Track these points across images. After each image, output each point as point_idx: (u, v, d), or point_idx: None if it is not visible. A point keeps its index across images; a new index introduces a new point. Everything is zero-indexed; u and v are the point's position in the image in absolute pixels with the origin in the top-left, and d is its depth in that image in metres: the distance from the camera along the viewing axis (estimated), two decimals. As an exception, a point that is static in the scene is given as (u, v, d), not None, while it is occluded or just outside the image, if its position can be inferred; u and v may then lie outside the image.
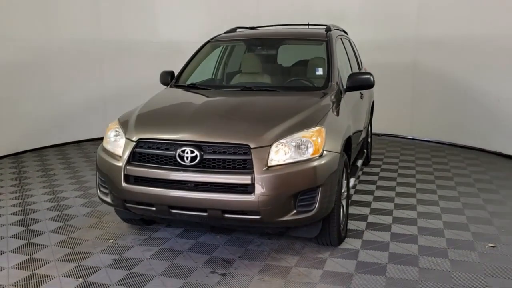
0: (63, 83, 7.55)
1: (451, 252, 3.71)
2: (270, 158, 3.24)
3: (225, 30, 5.39)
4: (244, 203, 3.22)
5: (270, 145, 3.27)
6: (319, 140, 3.36)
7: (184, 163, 3.35)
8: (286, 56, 5.18)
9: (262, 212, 3.23)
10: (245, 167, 3.26)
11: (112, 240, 4.01)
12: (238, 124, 3.58)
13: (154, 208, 3.46)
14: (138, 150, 3.51)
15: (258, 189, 3.17)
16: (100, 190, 3.81)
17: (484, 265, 3.48)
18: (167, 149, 3.43)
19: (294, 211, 3.28)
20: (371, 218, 4.44)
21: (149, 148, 3.49)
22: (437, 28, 7.25)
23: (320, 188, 3.29)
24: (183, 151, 3.35)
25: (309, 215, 3.30)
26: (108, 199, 3.69)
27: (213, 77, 5.28)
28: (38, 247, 3.90)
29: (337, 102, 4.01)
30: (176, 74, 4.90)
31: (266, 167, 3.21)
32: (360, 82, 4.28)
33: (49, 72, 7.36)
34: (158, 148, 3.47)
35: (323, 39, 4.72)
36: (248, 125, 3.52)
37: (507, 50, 6.40)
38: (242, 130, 3.44)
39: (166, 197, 3.37)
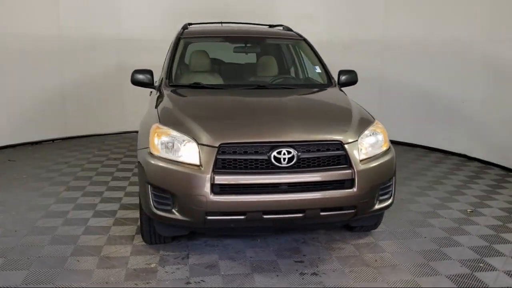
0: (18, 80, 7.12)
1: None
2: (361, 152, 3.38)
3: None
4: (344, 199, 3.29)
5: (357, 140, 3.41)
6: (385, 132, 3.65)
7: (280, 165, 3.22)
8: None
9: (359, 206, 3.36)
10: (339, 163, 3.33)
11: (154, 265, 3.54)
12: (316, 121, 3.58)
13: (244, 217, 3.23)
14: (220, 156, 3.21)
15: (358, 183, 3.29)
16: (156, 207, 3.32)
17: None
18: (256, 152, 3.24)
19: (377, 202, 3.49)
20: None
21: (234, 153, 3.23)
22: (401, 31, 7.35)
23: (393, 178, 3.58)
24: (279, 153, 3.21)
25: (388, 203, 3.57)
26: (176, 215, 3.26)
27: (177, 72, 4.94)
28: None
29: None
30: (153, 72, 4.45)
31: (360, 161, 3.35)
32: (351, 79, 4.65)
33: (4, 68, 6.93)
34: (245, 152, 3.24)
35: (301, 37, 4.94)
36: (327, 122, 3.56)
37: (471, 53, 6.48)
38: (330, 127, 3.47)
39: (260, 203, 3.19)
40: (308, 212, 3.26)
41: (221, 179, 3.12)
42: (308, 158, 3.27)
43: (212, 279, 3.30)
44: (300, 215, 3.27)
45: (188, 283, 3.25)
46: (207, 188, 3.11)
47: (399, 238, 4.05)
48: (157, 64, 5.21)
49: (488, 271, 3.48)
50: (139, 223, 4.00)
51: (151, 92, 5.18)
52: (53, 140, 7.79)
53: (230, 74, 4.79)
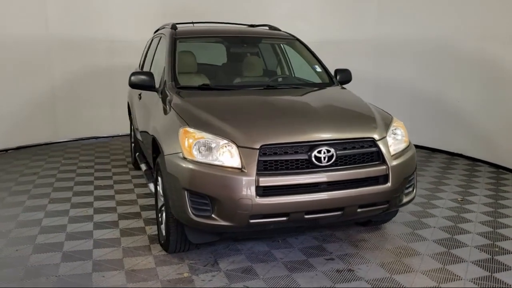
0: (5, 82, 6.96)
1: None
2: (390, 148, 3.48)
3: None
4: (380, 194, 3.37)
5: (385, 136, 3.51)
6: (404, 128, 3.78)
7: (320, 164, 3.23)
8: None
9: (392, 200, 3.46)
10: (373, 159, 3.41)
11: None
12: (347, 119, 3.62)
13: (287, 218, 3.21)
14: (261, 158, 3.16)
15: (392, 178, 3.39)
16: (195, 213, 3.20)
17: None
18: (297, 152, 3.23)
19: (404, 196, 3.61)
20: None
21: (275, 154, 3.20)
22: (396, 30, 7.32)
23: (415, 172, 3.72)
24: (319, 152, 3.23)
25: (412, 196, 3.70)
26: (217, 220, 3.16)
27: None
28: None
29: None
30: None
31: (391, 157, 3.45)
32: (346, 77, 4.76)
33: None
34: (286, 153, 3.21)
35: (294, 37, 4.98)
36: (356, 120, 3.61)
37: (466, 52, 6.46)
38: (361, 125, 3.53)
39: (303, 203, 3.18)
40: (347, 209, 3.29)
41: (265, 181, 3.07)
42: (345, 156, 3.30)
43: (254, 284, 3.24)
44: (339, 212, 3.30)
45: (232, 290, 3.16)
46: (252, 191, 3.04)
47: (410, 229, 4.20)
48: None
49: (505, 254, 3.70)
50: (150, 232, 3.94)
51: (140, 94, 4.97)
52: (6, 150, 7.23)
53: (232, 74, 4.70)
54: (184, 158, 3.19)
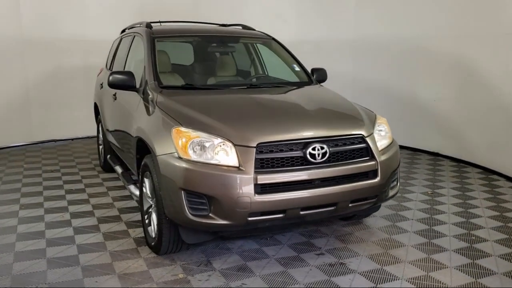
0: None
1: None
2: (378, 144, 3.61)
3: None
4: (370, 189, 3.48)
5: (373, 133, 3.63)
6: (387, 124, 3.93)
7: (314, 161, 3.31)
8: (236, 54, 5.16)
9: (380, 194, 3.58)
10: (362, 155, 3.52)
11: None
12: (336, 117, 3.70)
13: (283, 215, 3.26)
14: (258, 156, 3.20)
15: (381, 173, 3.51)
16: (192, 213, 3.18)
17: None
18: (291, 150, 3.28)
19: (390, 190, 3.75)
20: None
21: (271, 151, 3.24)
22: (374, 30, 7.35)
23: (398, 168, 3.87)
24: (313, 149, 3.30)
25: (396, 190, 3.84)
26: (215, 219, 3.15)
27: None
28: None
29: None
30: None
31: (379, 152, 3.57)
32: (322, 76, 4.87)
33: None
34: (281, 150, 3.26)
35: (270, 37, 5.05)
36: (344, 117, 3.70)
37: (440, 51, 6.51)
38: (349, 122, 3.62)
39: (299, 199, 3.23)
40: (339, 204, 3.38)
41: (263, 178, 3.10)
42: (337, 153, 3.38)
43: (252, 281, 3.26)
44: (332, 208, 3.38)
45: (231, 288, 3.17)
46: (251, 189, 3.07)
47: (390, 222, 4.35)
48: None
49: (481, 242, 3.92)
50: (135, 235, 3.91)
51: (115, 94, 4.87)
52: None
53: (211, 73, 4.68)
54: (180, 158, 3.17)
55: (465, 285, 3.21)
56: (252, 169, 3.08)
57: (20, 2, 7.20)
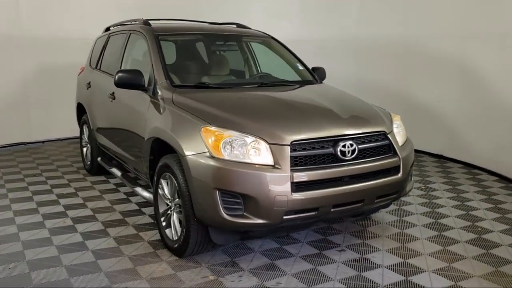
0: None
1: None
2: (398, 141, 3.71)
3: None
4: (394, 185, 3.56)
5: (392, 130, 3.73)
6: (401, 121, 4.04)
7: (345, 158, 3.35)
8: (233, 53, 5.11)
9: (401, 189, 3.68)
10: (385, 151, 3.61)
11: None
12: (359, 114, 3.73)
13: (316, 212, 3.28)
14: (292, 154, 3.20)
15: (402, 168, 3.61)
16: (227, 213, 3.14)
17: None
18: (323, 147, 3.31)
19: (407, 186, 3.86)
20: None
21: (303, 149, 3.25)
22: (376, 30, 7.21)
23: (413, 164, 3.98)
24: (343, 146, 3.34)
25: (412, 186, 3.95)
26: (250, 219, 3.12)
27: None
28: None
29: None
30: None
31: (400, 149, 3.67)
32: (321, 75, 4.94)
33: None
34: (313, 148, 3.28)
35: (268, 36, 5.07)
36: (366, 115, 3.75)
37: (445, 51, 6.39)
38: (371, 119, 3.68)
39: (332, 196, 3.25)
40: (366, 200, 3.43)
41: (299, 176, 3.10)
42: (364, 150, 3.44)
43: (286, 280, 3.25)
44: (360, 204, 3.43)
45: (267, 288, 3.15)
46: (288, 187, 3.06)
47: (397, 217, 4.47)
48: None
49: (489, 232, 4.10)
50: (148, 238, 3.84)
51: (112, 93, 4.72)
52: None
53: (215, 72, 4.62)
54: (212, 157, 3.11)
55: (489, 274, 3.34)
56: (288, 167, 3.07)
57: (19, 2, 7.08)
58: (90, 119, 5.52)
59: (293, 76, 4.72)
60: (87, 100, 5.63)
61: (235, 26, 5.33)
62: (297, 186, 3.11)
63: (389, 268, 3.42)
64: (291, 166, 3.10)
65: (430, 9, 6.57)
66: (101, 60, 5.54)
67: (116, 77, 3.95)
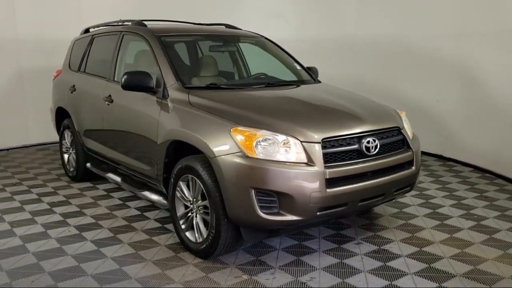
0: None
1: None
2: (408, 136, 3.90)
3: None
4: (408, 178, 3.73)
5: (403, 126, 3.91)
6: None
7: (369, 153, 3.48)
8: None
9: (414, 182, 3.87)
10: (400, 146, 3.78)
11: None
12: (374, 111, 3.85)
13: (345, 207, 3.39)
14: (323, 151, 3.30)
15: (415, 162, 3.80)
16: (264, 211, 3.18)
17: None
18: (349, 144, 3.42)
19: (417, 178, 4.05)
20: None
21: (332, 146, 3.34)
22: (374, 30, 7.16)
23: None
24: (368, 142, 3.48)
25: (418, 179, 4.16)
26: (285, 216, 3.17)
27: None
28: None
29: None
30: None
31: (412, 143, 3.86)
32: (315, 74, 5.08)
33: None
34: (341, 145, 3.38)
35: (261, 36, 5.14)
36: (379, 112, 3.89)
37: (444, 50, 6.39)
38: (385, 116, 3.83)
39: (360, 191, 3.36)
40: (386, 194, 3.58)
41: (331, 173, 3.18)
42: (383, 145, 3.58)
43: (319, 275, 3.32)
44: (381, 197, 3.57)
45: (303, 283, 3.21)
46: (322, 183, 3.14)
47: (396, 209, 4.67)
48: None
49: (485, 219, 4.38)
50: (165, 242, 3.76)
51: (109, 96, 4.60)
52: None
53: (221, 72, 4.63)
54: (246, 157, 3.13)
55: (500, 257, 3.58)
56: (322, 164, 3.15)
57: (15, 3, 6.97)
58: (76, 123, 5.32)
59: (291, 76, 4.79)
60: (71, 104, 5.43)
61: (223, 27, 5.32)
62: (329, 183, 3.18)
63: (410, 257, 3.57)
64: (324, 163, 3.17)
65: (429, 8, 6.59)
66: (86, 62, 5.36)
67: (123, 79, 3.86)
